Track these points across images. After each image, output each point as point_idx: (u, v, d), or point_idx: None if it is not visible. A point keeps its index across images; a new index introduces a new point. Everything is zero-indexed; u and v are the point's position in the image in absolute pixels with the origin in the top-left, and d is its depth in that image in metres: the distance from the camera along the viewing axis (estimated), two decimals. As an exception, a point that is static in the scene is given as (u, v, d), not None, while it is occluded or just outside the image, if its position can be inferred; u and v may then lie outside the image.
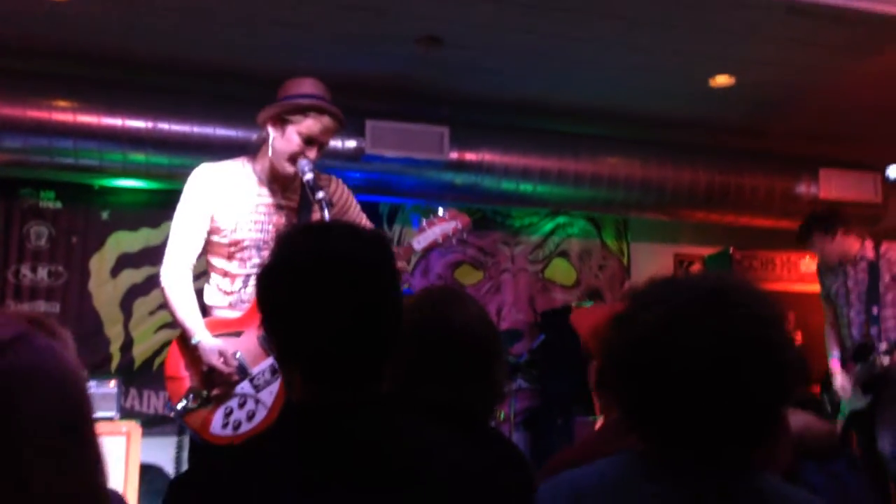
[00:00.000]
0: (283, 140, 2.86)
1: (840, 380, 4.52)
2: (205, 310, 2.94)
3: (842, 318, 4.57)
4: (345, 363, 1.33)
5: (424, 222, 3.02)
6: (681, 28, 4.42)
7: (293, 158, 2.85)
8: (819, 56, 4.75)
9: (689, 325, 1.22)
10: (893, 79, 5.01)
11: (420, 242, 2.97)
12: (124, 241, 5.44)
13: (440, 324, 1.73)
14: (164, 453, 4.97)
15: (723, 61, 4.86)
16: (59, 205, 5.34)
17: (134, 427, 4.15)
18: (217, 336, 2.84)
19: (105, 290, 5.38)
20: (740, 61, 4.84)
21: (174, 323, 2.92)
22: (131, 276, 5.43)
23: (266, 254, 2.90)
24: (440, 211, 3.07)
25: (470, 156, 5.36)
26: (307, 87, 2.91)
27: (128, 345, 5.37)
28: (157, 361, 5.33)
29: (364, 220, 3.10)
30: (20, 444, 0.93)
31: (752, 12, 4.19)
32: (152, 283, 5.39)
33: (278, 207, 2.98)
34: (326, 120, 2.86)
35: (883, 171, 5.87)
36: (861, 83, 5.08)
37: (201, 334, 2.79)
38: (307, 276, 1.34)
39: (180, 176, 4.78)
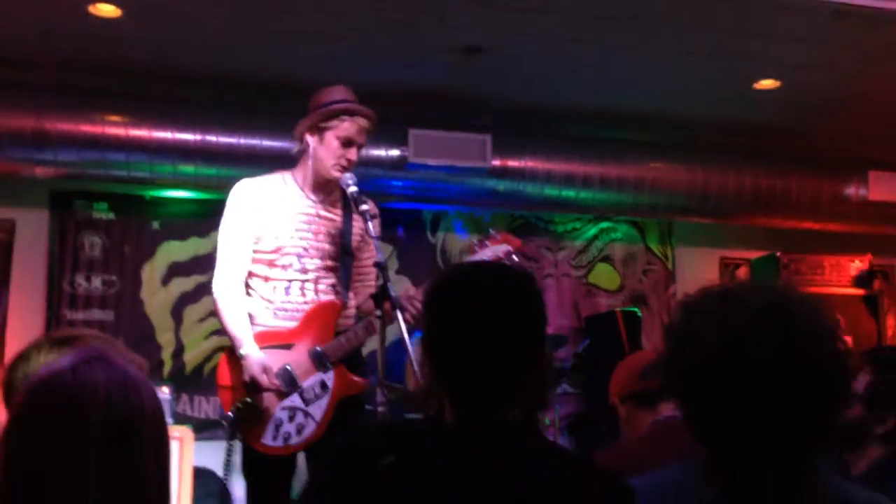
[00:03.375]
0: (324, 146, 2.96)
1: None
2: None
3: None
4: (488, 384, 1.45)
5: (476, 244, 3.08)
6: (725, 32, 4.39)
7: (338, 162, 2.94)
8: (865, 58, 4.68)
9: (751, 343, 1.25)
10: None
11: None
12: (174, 251, 5.57)
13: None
14: (216, 457, 5.05)
15: (767, 65, 4.82)
16: (111, 216, 5.48)
17: (186, 432, 4.23)
18: (267, 348, 2.91)
19: (156, 298, 5.51)
20: (785, 65, 4.79)
21: (224, 332, 3.01)
22: (181, 285, 5.56)
23: (306, 261, 2.99)
24: (491, 231, 3.12)
25: (512, 163, 5.38)
26: (337, 93, 3.02)
27: (179, 351, 5.49)
28: (207, 367, 5.44)
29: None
30: (85, 449, 1.08)
31: (796, 16, 4.16)
32: (201, 291, 5.52)
33: (319, 217, 3.06)
34: (360, 121, 2.98)
35: (934, 172, 5.77)
36: (909, 84, 5.00)
37: (248, 347, 2.86)
38: (461, 304, 1.49)
39: (228, 186, 4.84)
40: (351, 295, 3.12)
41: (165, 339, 5.48)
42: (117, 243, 5.47)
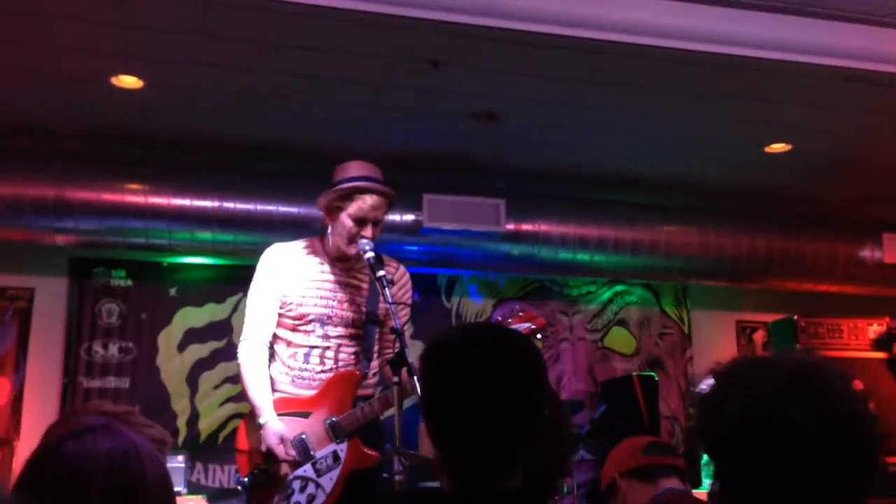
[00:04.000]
0: (338, 225, 2.99)
1: None
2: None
3: None
4: (487, 456, 1.44)
5: (499, 321, 3.10)
6: (736, 97, 4.46)
7: (352, 240, 2.96)
8: (876, 121, 4.73)
9: (781, 407, 1.28)
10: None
11: None
12: (191, 317, 5.59)
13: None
14: (229, 527, 5.01)
15: (778, 129, 4.88)
16: (129, 283, 5.53)
17: (201, 502, 4.21)
18: (285, 415, 2.91)
19: (172, 364, 5.51)
20: (796, 128, 4.85)
21: (239, 397, 3.02)
22: (197, 351, 5.56)
23: (329, 328, 3.00)
24: (516, 307, 3.14)
25: (526, 227, 5.41)
26: (352, 170, 3.05)
27: (194, 419, 5.46)
28: (222, 435, 5.41)
29: (406, 316, 3.14)
30: None
31: (808, 80, 4.22)
32: (217, 357, 5.52)
33: (344, 285, 3.07)
34: (371, 199, 2.98)
35: (949, 233, 5.76)
36: (920, 146, 5.03)
37: (267, 416, 2.86)
38: (460, 373, 1.46)
39: (245, 252, 5.01)
40: (375, 363, 3.13)
41: (181, 406, 5.46)
42: (134, 310, 5.50)
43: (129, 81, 4.21)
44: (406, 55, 4.02)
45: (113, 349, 5.42)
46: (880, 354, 5.76)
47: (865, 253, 5.94)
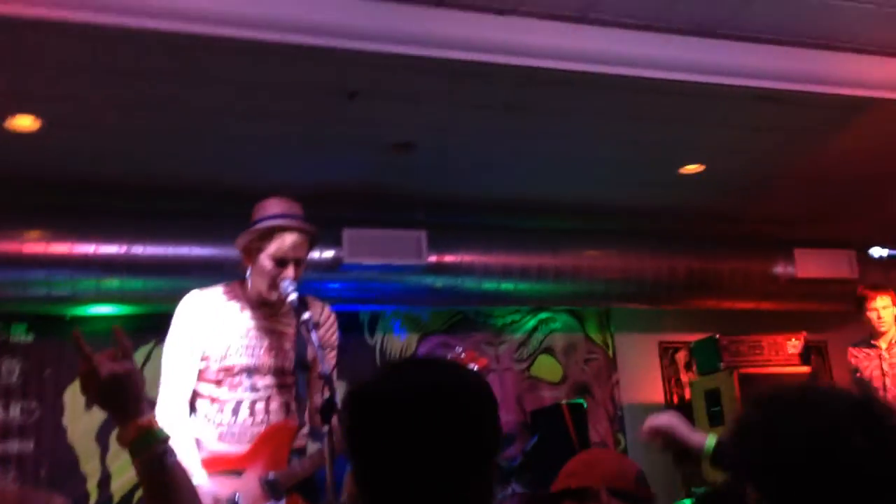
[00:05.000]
0: (258, 267, 2.81)
1: None
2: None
3: None
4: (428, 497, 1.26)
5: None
6: (649, 119, 4.49)
7: (273, 282, 2.79)
8: (784, 139, 4.85)
9: (843, 440, 1.27)
10: (858, 158, 5.12)
11: None
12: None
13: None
14: None
15: (692, 150, 4.94)
16: (30, 338, 5.19)
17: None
18: (217, 474, 2.71)
19: (80, 423, 5.17)
20: (709, 149, 4.92)
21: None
22: (107, 407, 5.24)
23: (256, 379, 2.82)
24: (458, 349, 3.01)
25: (449, 258, 5.32)
26: (270, 208, 2.89)
27: (105, 480, 5.13)
28: (137, 496, 5.08)
29: (334, 359, 2.99)
30: None
31: (719, 101, 4.28)
32: (129, 411, 5.21)
33: (269, 331, 2.89)
34: (291, 237, 2.81)
35: (857, 247, 5.93)
36: (826, 163, 5.18)
37: (197, 478, 2.65)
38: (401, 413, 1.27)
39: (156, 299, 4.75)
40: (306, 413, 2.95)
41: (90, 467, 5.13)
42: (37, 367, 5.16)
43: (25, 122, 3.96)
44: (321, 86, 3.90)
45: (14, 410, 5.07)
46: (803, 369, 5.87)
47: (778, 269, 6.06)
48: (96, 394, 1.56)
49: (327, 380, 2.53)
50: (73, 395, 5.20)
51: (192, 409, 2.86)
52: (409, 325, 6.09)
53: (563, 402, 5.92)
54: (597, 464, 2.32)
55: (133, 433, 1.54)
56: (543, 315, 6.43)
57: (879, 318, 4.58)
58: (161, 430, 1.58)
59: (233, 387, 2.82)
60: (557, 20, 3.70)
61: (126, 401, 1.55)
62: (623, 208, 5.70)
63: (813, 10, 3.73)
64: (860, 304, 4.66)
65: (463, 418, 1.28)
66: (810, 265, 6.06)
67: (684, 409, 6.44)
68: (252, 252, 2.85)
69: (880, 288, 4.66)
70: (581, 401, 5.98)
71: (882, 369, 4.60)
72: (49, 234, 4.53)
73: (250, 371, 2.83)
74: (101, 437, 5.19)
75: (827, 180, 5.45)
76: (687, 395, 6.52)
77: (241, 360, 2.84)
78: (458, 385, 1.32)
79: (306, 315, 2.69)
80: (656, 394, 6.67)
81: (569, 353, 6.49)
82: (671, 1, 3.61)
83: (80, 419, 5.18)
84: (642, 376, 6.69)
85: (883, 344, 4.61)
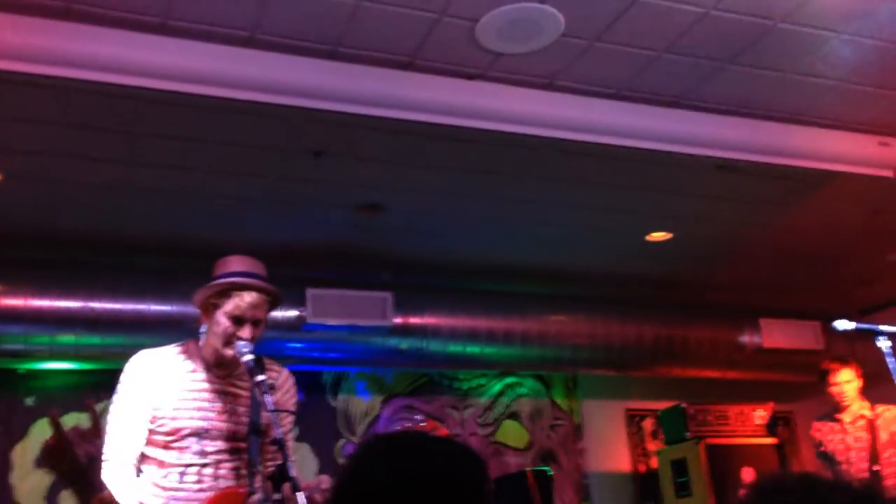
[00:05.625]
0: (214, 324, 2.73)
1: None
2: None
3: (839, 476, 4.48)
4: None
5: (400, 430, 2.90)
6: (615, 186, 4.51)
7: (228, 341, 2.71)
8: (750, 209, 4.88)
9: None
10: (820, 230, 5.17)
11: None
12: (50, 429, 5.11)
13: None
14: None
15: (659, 218, 4.96)
16: (-21, 392, 5.03)
17: None
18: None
19: (28, 482, 5.00)
20: (676, 217, 4.95)
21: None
22: (57, 466, 5.06)
23: (206, 442, 2.72)
24: (418, 418, 2.95)
25: (414, 320, 5.27)
26: (231, 265, 2.81)
27: (52, 542, 4.94)
28: (84, 559, 4.89)
29: (290, 425, 2.90)
30: None
31: (684, 170, 4.31)
32: (80, 471, 5.04)
33: (222, 394, 2.80)
34: (250, 296, 2.73)
35: (822, 318, 5.95)
36: (790, 234, 5.23)
37: None
38: (398, 495, 1.22)
39: (112, 356, 4.63)
40: (258, 478, 2.84)
41: (37, 528, 4.93)
42: (-15, 423, 5.00)
43: (-18, 173, 3.89)
44: (286, 145, 3.88)
45: (-41, 468, 4.88)
46: (769, 440, 5.83)
47: (744, 338, 6.07)
48: (65, 470, 1.52)
49: (281, 445, 2.44)
50: (22, 453, 5.03)
51: (138, 471, 2.75)
52: (374, 387, 6.00)
53: (529, 468, 5.81)
54: None
55: None
56: (510, 379, 6.36)
57: (842, 392, 4.55)
58: None
59: (181, 451, 2.71)
60: (526, 86, 3.72)
61: (93, 476, 1.52)
62: (591, 274, 5.69)
63: (775, 85, 3.79)
64: (823, 377, 4.64)
65: None
66: (776, 335, 6.07)
67: (651, 478, 6.36)
68: (209, 308, 2.77)
69: (843, 361, 4.64)
70: (547, 468, 5.88)
71: (846, 443, 4.57)
72: (3, 287, 4.42)
73: (200, 434, 2.73)
74: (51, 498, 5.01)
75: (791, 251, 5.49)
76: (654, 463, 6.43)
77: (190, 422, 2.74)
78: (457, 475, 1.28)
79: (260, 377, 2.61)
80: (623, 462, 6.59)
81: (535, 418, 6.41)
82: (637, 71, 3.65)
83: (28, 478, 5.01)
84: (609, 444, 6.62)
85: (847, 417, 4.58)
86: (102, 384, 4.92)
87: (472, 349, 5.46)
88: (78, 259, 4.74)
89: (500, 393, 6.35)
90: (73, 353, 4.71)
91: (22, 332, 4.47)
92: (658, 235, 5.20)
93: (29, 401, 5.12)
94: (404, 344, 5.30)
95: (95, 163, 3.91)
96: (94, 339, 4.64)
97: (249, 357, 2.66)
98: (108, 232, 4.59)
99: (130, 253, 4.80)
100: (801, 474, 1.31)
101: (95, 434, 1.56)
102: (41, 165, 3.91)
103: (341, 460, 5.75)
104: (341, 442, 5.81)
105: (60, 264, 4.67)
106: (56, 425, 1.52)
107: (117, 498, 2.59)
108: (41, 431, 5.09)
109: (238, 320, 2.71)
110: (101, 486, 1.53)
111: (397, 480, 1.24)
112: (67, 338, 4.57)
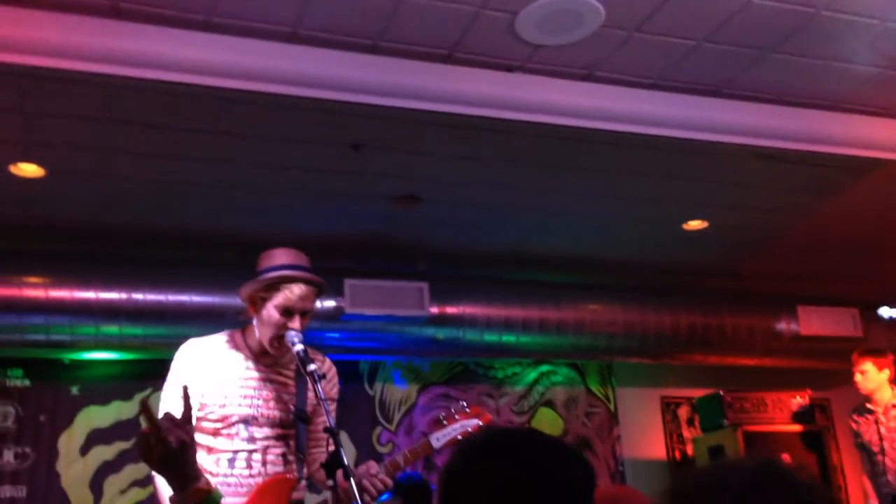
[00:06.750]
0: (263, 317, 2.78)
1: None
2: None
3: (877, 467, 4.50)
4: None
5: (443, 417, 2.94)
6: (653, 176, 4.50)
7: (277, 334, 2.76)
8: (788, 198, 4.84)
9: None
10: (861, 218, 5.11)
11: (439, 440, 2.93)
12: (95, 417, 5.22)
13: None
14: None
15: (695, 207, 4.94)
16: (26, 382, 5.14)
17: None
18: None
19: (74, 469, 5.11)
20: (712, 206, 4.92)
21: (148, 502, 2.74)
22: (102, 453, 5.17)
23: (254, 429, 2.77)
24: (463, 404, 2.98)
25: (451, 310, 5.29)
26: (278, 258, 2.86)
27: (98, 528, 5.05)
28: (129, 544, 5.00)
29: (334, 412, 2.96)
30: None
31: (721, 159, 4.29)
32: (124, 459, 5.15)
33: (269, 382, 2.85)
34: (298, 289, 2.78)
35: (861, 305, 5.90)
36: (829, 222, 5.17)
37: None
38: (498, 494, 1.24)
39: (155, 346, 4.72)
40: (306, 465, 2.90)
41: (83, 514, 5.04)
42: (32, 412, 5.11)
43: (29, 170, 3.96)
44: (325, 139, 3.91)
45: (8, 455, 5.00)
46: (807, 427, 5.81)
47: (782, 326, 6.02)
48: (158, 459, 1.59)
49: (334, 434, 2.48)
50: (68, 441, 5.14)
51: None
52: (409, 376, 6.04)
53: (564, 456, 5.83)
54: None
55: (195, 497, 1.60)
56: (545, 368, 6.38)
57: (858, 383, 4.70)
58: (218, 493, 1.64)
59: (230, 437, 2.77)
60: (564, 77, 3.72)
61: (186, 466, 1.60)
62: (627, 263, 5.68)
63: (816, 72, 3.76)
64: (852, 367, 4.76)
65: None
66: (814, 323, 6.02)
67: (687, 465, 6.36)
68: (257, 301, 2.82)
69: (863, 353, 4.75)
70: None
71: (880, 433, 4.57)
72: (49, 279, 4.51)
73: (248, 421, 2.78)
74: (95, 484, 5.12)
75: (830, 239, 5.43)
76: (689, 451, 6.43)
77: (239, 409, 2.79)
78: (572, 473, 1.30)
79: (313, 366, 2.66)
80: (658, 449, 6.59)
81: (570, 406, 6.42)
82: (677, 61, 3.63)
83: (74, 465, 5.12)
84: (644, 431, 6.62)
85: (879, 408, 4.62)
86: (146, 374, 5.07)
87: (508, 338, 5.48)
88: (121, 252, 4.82)
89: (535, 381, 6.37)
90: (117, 344, 4.79)
91: (67, 323, 4.55)
92: (695, 224, 5.17)
93: (74, 390, 5.23)
94: (440, 333, 5.34)
95: (138, 158, 3.97)
96: (137, 330, 4.72)
97: (300, 347, 2.72)
98: (151, 225, 4.66)
99: (172, 246, 4.87)
100: (696, 474, 1.28)
101: (187, 421, 1.63)
102: (85, 161, 3.98)
103: (378, 448, 5.82)
104: (378, 430, 5.87)
105: (104, 257, 4.75)
106: (148, 414, 1.58)
107: (163, 485, 2.66)
108: (86, 420, 5.21)
109: (288, 312, 2.76)
110: (195, 474, 1.59)
111: (514, 476, 1.25)
112: (112, 328, 4.65)
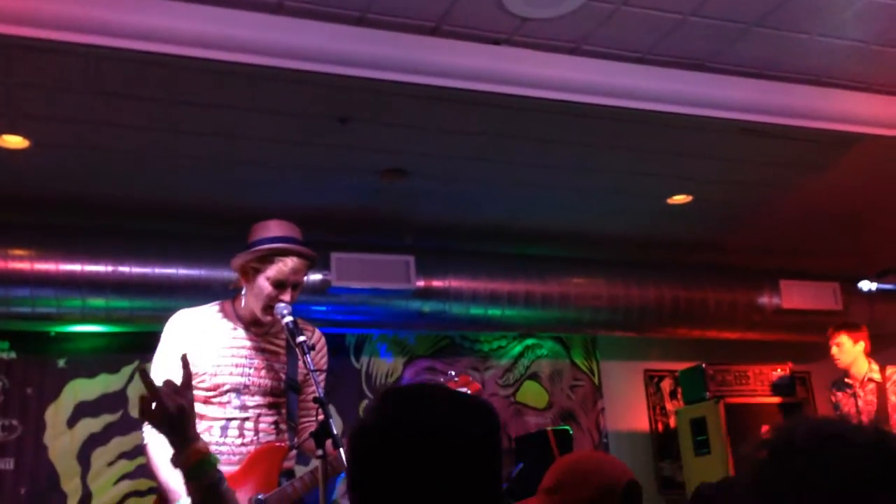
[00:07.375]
0: (255, 288, 2.80)
1: None
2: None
3: None
4: None
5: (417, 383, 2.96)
6: (638, 150, 4.52)
7: (269, 305, 2.78)
8: (772, 172, 4.88)
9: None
10: (844, 193, 5.16)
11: None
12: (82, 389, 5.23)
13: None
14: None
15: (680, 180, 4.97)
16: (13, 355, 5.14)
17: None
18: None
19: (61, 441, 5.12)
20: (697, 180, 4.95)
21: (136, 473, 2.76)
22: (89, 426, 5.19)
23: (246, 398, 2.80)
24: (451, 374, 3.01)
25: (437, 283, 5.33)
26: (272, 230, 2.87)
27: (86, 499, 5.07)
28: (117, 515, 5.04)
29: (323, 383, 2.98)
30: None
31: (706, 133, 4.32)
32: (111, 431, 5.17)
33: (260, 350, 2.88)
34: (292, 261, 2.80)
35: (842, 279, 5.97)
36: (812, 197, 5.22)
37: (183, 499, 2.62)
38: (404, 448, 1.25)
39: (141, 319, 4.73)
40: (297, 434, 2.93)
41: (71, 486, 5.06)
42: (19, 384, 5.11)
43: (13, 141, 3.95)
44: (312, 112, 3.91)
45: (-5, 428, 5.01)
46: (788, 399, 5.89)
47: (764, 300, 6.10)
48: (160, 422, 1.72)
49: (323, 404, 2.51)
50: (55, 413, 5.15)
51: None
52: (396, 349, 6.08)
53: (549, 428, 5.90)
54: (616, 463, 2.15)
55: (192, 458, 1.71)
56: (530, 341, 6.43)
57: (833, 356, 4.80)
58: (215, 456, 1.74)
59: (222, 405, 2.80)
60: (550, 51, 3.73)
61: (186, 428, 1.72)
62: (611, 237, 5.72)
63: (800, 47, 3.78)
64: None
65: (473, 461, 1.28)
66: (795, 297, 6.10)
67: (669, 437, 6.45)
68: (249, 272, 2.84)
69: (842, 327, 4.83)
70: (567, 427, 5.98)
71: (857, 407, 4.65)
72: (34, 252, 4.50)
73: (240, 390, 2.81)
74: (83, 456, 5.14)
75: (813, 214, 5.49)
76: (672, 423, 6.52)
77: (230, 378, 2.82)
78: (469, 426, 1.30)
79: (302, 337, 2.69)
80: (641, 421, 6.67)
81: (555, 379, 6.49)
82: (663, 35, 3.65)
83: (61, 437, 5.13)
84: (628, 404, 6.69)
85: (856, 382, 4.70)
86: (133, 346, 5.08)
87: (494, 311, 5.52)
88: (107, 224, 4.81)
89: (521, 354, 6.43)
90: (103, 317, 4.80)
91: (53, 295, 4.55)
92: (679, 198, 5.21)
93: (61, 362, 5.23)
94: (426, 307, 5.37)
95: (124, 130, 3.96)
96: (124, 303, 4.73)
97: (289, 318, 2.74)
98: (137, 198, 4.65)
99: (158, 218, 4.87)
100: (811, 427, 1.21)
101: (187, 387, 1.77)
102: (69, 133, 3.96)
103: (365, 420, 5.86)
104: (364, 402, 5.92)
105: (89, 230, 4.74)
106: (147, 380, 1.74)
107: (156, 454, 2.68)
108: (73, 392, 5.22)
109: (280, 284, 2.78)
110: (193, 436, 1.74)
111: (405, 432, 1.26)
112: (98, 301, 4.66)
